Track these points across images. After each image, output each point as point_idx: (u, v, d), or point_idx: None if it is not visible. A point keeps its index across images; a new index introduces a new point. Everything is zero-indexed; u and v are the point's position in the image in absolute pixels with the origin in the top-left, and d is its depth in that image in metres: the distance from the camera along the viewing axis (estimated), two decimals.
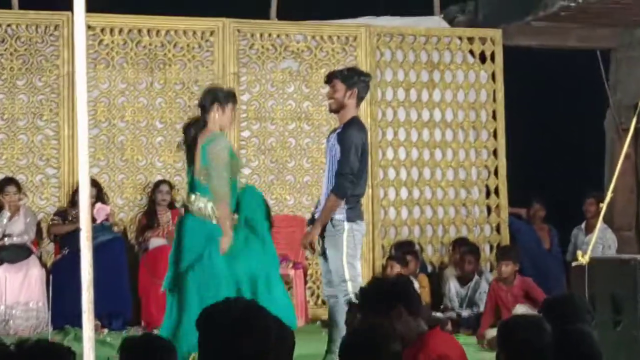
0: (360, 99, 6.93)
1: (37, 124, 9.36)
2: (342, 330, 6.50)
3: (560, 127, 10.80)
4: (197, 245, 6.40)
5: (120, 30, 9.59)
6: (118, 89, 9.58)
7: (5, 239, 8.83)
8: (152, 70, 9.66)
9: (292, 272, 9.29)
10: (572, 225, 10.55)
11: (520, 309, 7.84)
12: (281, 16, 10.18)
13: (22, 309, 8.68)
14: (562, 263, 10.32)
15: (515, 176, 10.46)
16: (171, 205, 9.42)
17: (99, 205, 8.87)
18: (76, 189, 8.44)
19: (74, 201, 8.66)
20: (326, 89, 7.12)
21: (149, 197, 9.49)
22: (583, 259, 6.58)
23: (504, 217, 10.48)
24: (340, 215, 6.70)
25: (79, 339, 6.63)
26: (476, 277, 9.25)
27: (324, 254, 6.82)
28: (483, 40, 10.56)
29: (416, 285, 8.53)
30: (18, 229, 8.88)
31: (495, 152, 10.50)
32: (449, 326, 8.70)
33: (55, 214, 9.20)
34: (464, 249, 9.47)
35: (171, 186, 9.46)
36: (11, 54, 9.35)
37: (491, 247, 10.41)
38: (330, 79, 6.95)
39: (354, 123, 6.84)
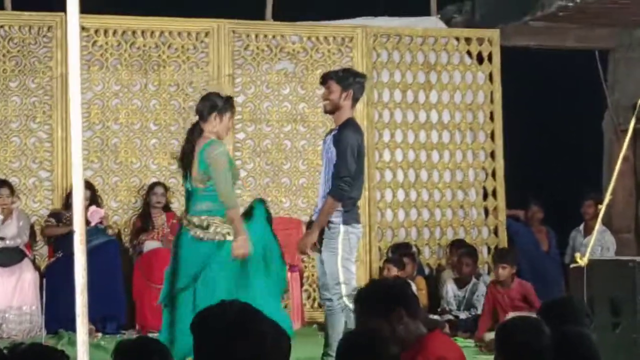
0: (355, 100, 6.88)
1: (30, 126, 9.30)
2: (338, 333, 6.45)
3: (558, 128, 10.75)
4: (192, 267, 6.30)
5: (114, 32, 9.53)
6: (112, 90, 9.53)
7: None
8: (147, 72, 9.60)
9: (288, 275, 9.23)
10: (571, 227, 10.51)
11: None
12: (277, 17, 10.12)
13: (15, 313, 8.63)
14: (561, 265, 10.29)
15: (512, 178, 10.42)
16: (166, 208, 9.37)
17: (93, 208, 8.81)
18: (70, 191, 8.35)
19: (67, 204, 8.60)
20: (322, 91, 7.07)
21: (144, 199, 9.43)
22: (581, 261, 6.55)
23: (501, 219, 10.43)
24: (336, 218, 6.65)
25: (72, 343, 6.57)
26: (474, 279, 9.24)
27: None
28: (480, 41, 10.51)
29: (413, 287, 8.45)
30: (11, 232, 8.83)
31: (492, 154, 10.45)
32: (447, 329, 8.66)
33: (49, 216, 9.16)
34: (461, 251, 9.45)
35: (166, 188, 9.39)
36: (4, 55, 9.29)
37: (489, 250, 10.36)
38: (325, 80, 6.89)
39: (350, 125, 6.79)
